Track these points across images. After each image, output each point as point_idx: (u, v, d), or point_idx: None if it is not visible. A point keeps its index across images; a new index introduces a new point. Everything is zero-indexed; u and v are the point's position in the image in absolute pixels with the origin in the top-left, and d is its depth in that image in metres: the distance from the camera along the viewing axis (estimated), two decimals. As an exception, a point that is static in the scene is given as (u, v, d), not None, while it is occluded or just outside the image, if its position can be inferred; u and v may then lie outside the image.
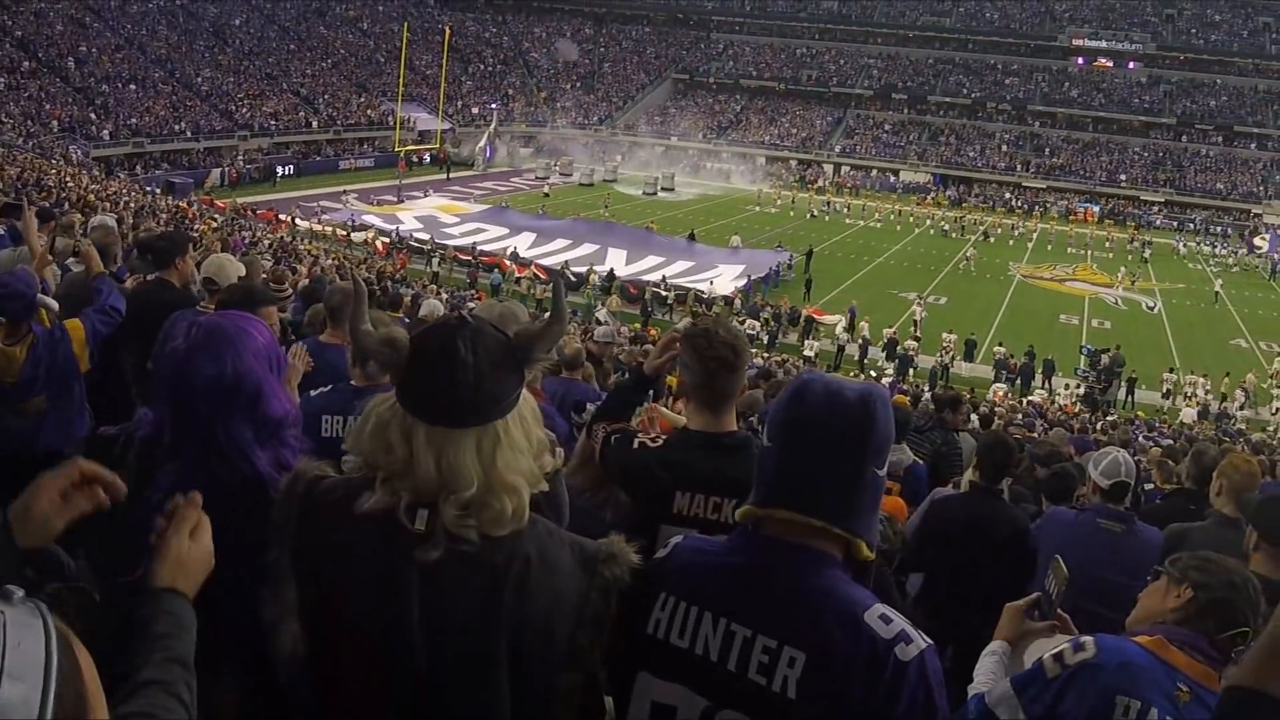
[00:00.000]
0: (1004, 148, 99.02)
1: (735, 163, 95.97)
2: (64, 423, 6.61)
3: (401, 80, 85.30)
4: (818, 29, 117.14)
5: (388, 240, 51.97)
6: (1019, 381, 39.67)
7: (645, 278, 47.86)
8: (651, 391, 4.98)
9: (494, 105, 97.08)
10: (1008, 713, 3.41)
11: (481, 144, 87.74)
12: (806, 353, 39.45)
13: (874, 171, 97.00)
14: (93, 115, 70.96)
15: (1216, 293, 57.69)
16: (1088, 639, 3.40)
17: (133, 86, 76.91)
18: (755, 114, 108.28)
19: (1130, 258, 67.04)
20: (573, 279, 45.75)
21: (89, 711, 1.39)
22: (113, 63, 78.86)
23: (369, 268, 40.30)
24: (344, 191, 67.15)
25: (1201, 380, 40.43)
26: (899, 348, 41.32)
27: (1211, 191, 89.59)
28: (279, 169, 75.42)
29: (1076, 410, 33.70)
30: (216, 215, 48.59)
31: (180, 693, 2.00)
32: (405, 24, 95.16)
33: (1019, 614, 3.96)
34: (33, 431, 6.45)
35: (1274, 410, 39.60)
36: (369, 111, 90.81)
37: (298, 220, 55.03)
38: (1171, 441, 21.02)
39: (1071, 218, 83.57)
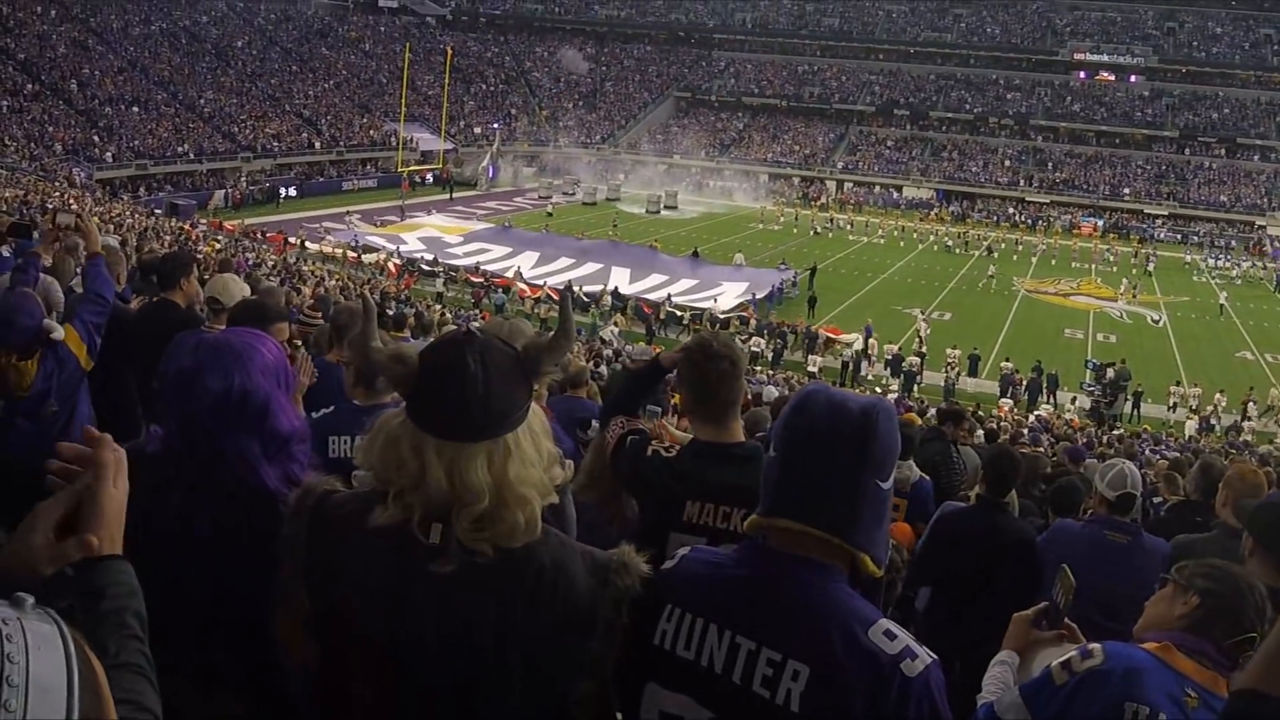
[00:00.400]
0: (1007, 162, 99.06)
1: (738, 180, 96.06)
2: (74, 429, 6.58)
3: (404, 101, 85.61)
4: (819, 46, 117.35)
5: (399, 262, 51.88)
6: (1026, 397, 39.58)
7: (649, 296, 47.84)
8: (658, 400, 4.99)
9: (496, 125, 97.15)
10: (1016, 720, 3.43)
11: (484, 163, 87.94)
12: (811, 369, 39.43)
13: (877, 188, 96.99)
14: (96, 138, 71.04)
15: (1221, 305, 57.70)
16: (1095, 646, 3.41)
17: (135, 109, 77.05)
18: (757, 131, 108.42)
19: (1135, 270, 67.07)
20: (585, 299, 45.96)
21: (107, 715, 1.41)
22: (115, 85, 79.01)
23: (373, 288, 40.33)
24: (347, 212, 67.16)
25: (1195, 392, 40.44)
26: (903, 364, 41.28)
27: (1215, 204, 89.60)
28: (282, 190, 75.45)
29: (1082, 424, 33.62)
30: (220, 237, 48.67)
31: (149, 674, 1.99)
32: (407, 45, 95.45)
33: (1027, 624, 3.98)
34: (45, 436, 6.45)
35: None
36: (371, 132, 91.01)
37: (307, 243, 55.02)
38: (1178, 455, 21.00)
39: (1075, 232, 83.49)
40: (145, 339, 7.12)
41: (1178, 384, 41.42)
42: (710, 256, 59.66)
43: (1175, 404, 40.29)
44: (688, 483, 4.07)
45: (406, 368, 2.55)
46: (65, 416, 6.53)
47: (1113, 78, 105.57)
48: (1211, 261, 74.30)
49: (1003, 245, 74.66)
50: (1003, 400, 37.26)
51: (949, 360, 41.46)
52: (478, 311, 41.94)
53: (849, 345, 42.99)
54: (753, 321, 45.01)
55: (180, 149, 74.43)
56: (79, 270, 7.14)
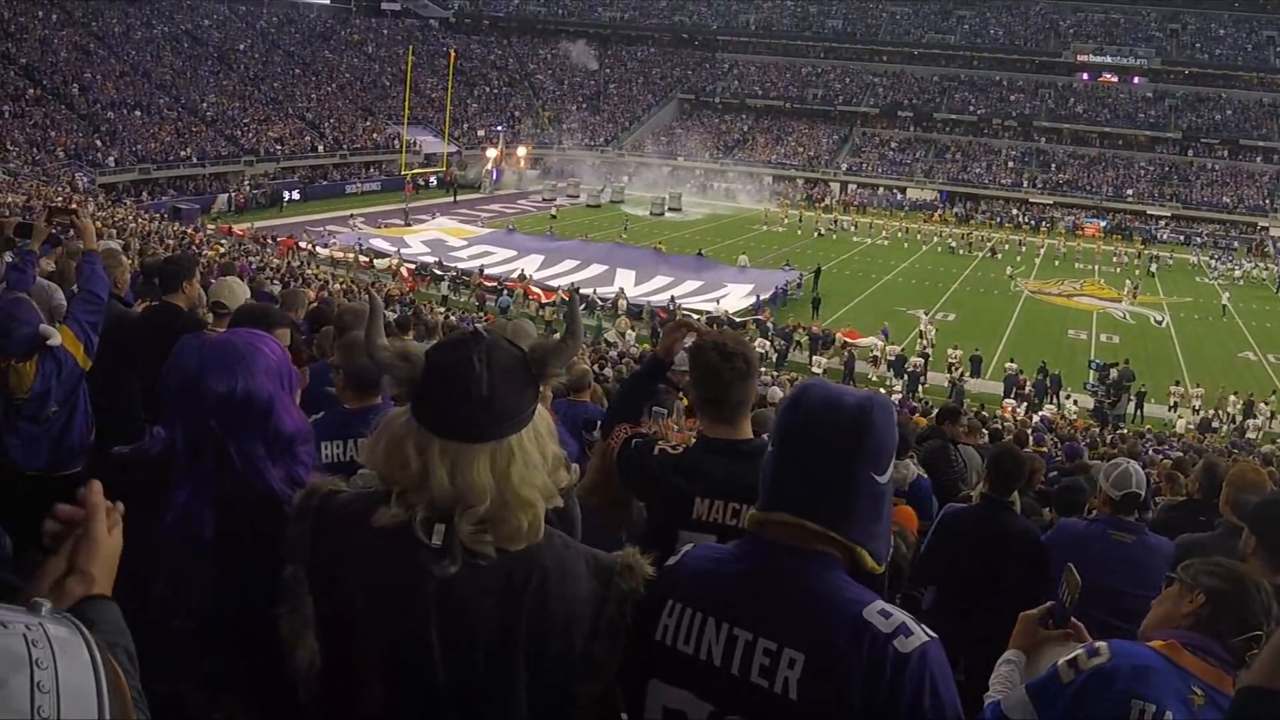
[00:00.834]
0: (1010, 164, 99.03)
1: (742, 182, 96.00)
2: (74, 429, 6.65)
3: (407, 104, 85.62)
4: (823, 48, 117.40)
5: (413, 266, 51.86)
6: (1033, 395, 39.60)
7: (654, 299, 47.86)
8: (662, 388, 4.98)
9: (499, 128, 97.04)
10: (1023, 719, 3.42)
11: (488, 166, 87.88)
12: (815, 370, 39.39)
13: (880, 189, 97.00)
14: (98, 142, 71.17)
15: (1224, 306, 57.70)
16: (1102, 644, 3.40)
17: (138, 113, 77.13)
18: (761, 133, 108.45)
19: (1137, 271, 67.13)
20: (600, 302, 46.33)
21: (131, 716, 1.40)
22: (118, 89, 79.09)
23: (378, 290, 40.33)
24: (351, 215, 67.16)
25: (1199, 392, 40.53)
26: (906, 365, 41.28)
27: (1218, 205, 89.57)
28: (285, 194, 75.49)
29: (1086, 425, 33.61)
30: (224, 241, 48.68)
31: (143, 709, 1.99)
32: (410, 48, 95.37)
33: (1033, 623, 3.98)
34: (46, 437, 6.50)
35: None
36: (375, 135, 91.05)
37: (318, 247, 55.02)
38: (1181, 454, 20.99)
39: (1078, 233, 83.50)
40: (147, 342, 7.08)
41: (1177, 383, 41.46)
42: (715, 258, 59.60)
43: (1175, 404, 40.28)
44: (696, 480, 4.06)
45: (412, 366, 2.55)
46: (65, 417, 6.59)
47: (1116, 79, 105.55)
48: (1215, 263, 74.13)
49: (1006, 246, 74.78)
50: (1007, 401, 37.24)
51: (950, 361, 41.46)
52: (482, 314, 41.93)
53: (866, 349, 43.00)
54: (769, 324, 45.00)
55: (183, 153, 74.58)
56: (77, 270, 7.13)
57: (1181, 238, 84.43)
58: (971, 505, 7.79)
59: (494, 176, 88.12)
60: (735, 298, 49.15)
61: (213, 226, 56.35)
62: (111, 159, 69.82)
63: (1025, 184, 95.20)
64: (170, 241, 37.20)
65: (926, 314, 49.15)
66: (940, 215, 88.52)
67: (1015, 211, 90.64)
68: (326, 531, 2.60)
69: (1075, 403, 39.53)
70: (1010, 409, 34.55)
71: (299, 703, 2.60)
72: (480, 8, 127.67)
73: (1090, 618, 4.24)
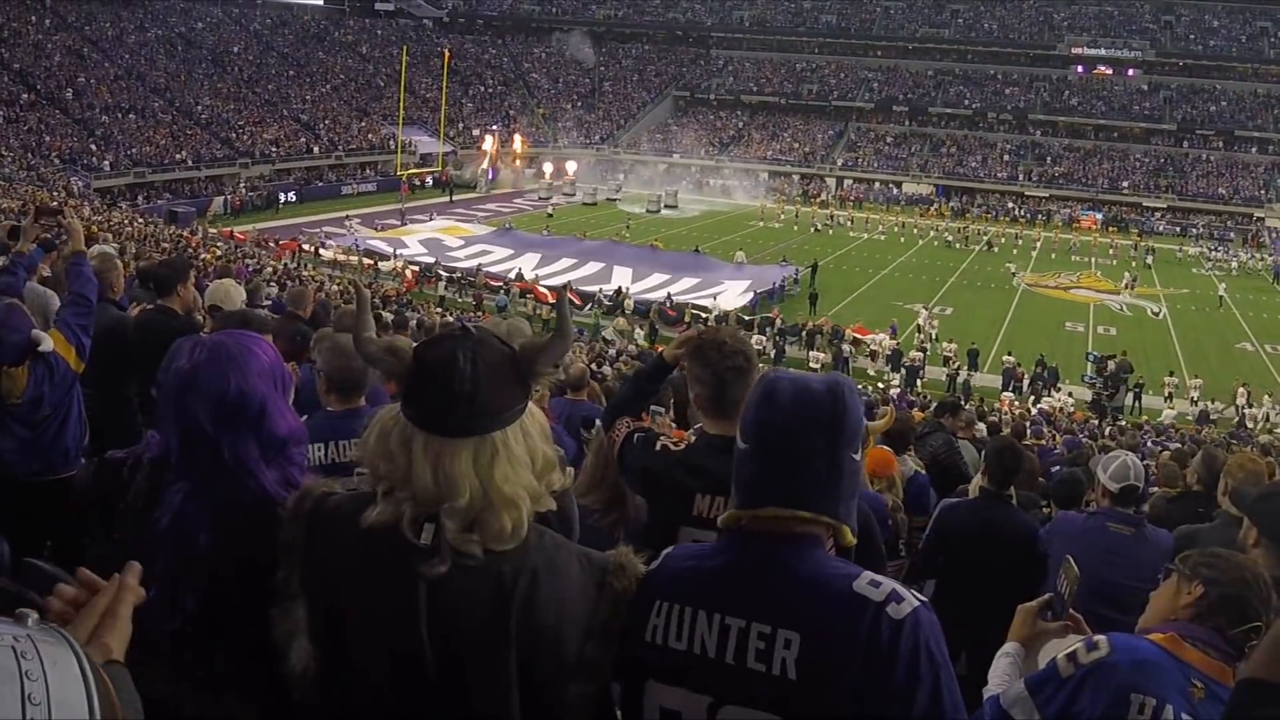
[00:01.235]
0: (1006, 157, 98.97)
1: (738, 179, 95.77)
2: (68, 433, 6.63)
3: (402, 104, 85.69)
4: (817, 43, 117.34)
5: (417, 269, 51.84)
6: (1027, 390, 39.58)
7: (650, 296, 47.90)
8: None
9: (495, 127, 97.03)
10: (1023, 713, 3.43)
11: (484, 166, 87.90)
12: (813, 365, 39.39)
13: (876, 184, 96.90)
14: (93, 146, 71.20)
15: (1221, 297, 57.63)
16: (1101, 638, 3.40)
17: (132, 116, 77.18)
18: (757, 129, 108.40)
19: (1134, 264, 67.05)
20: (606, 302, 46.48)
21: None
22: (112, 93, 79.11)
23: (374, 290, 40.33)
24: (347, 217, 67.06)
25: (1197, 383, 40.52)
26: (904, 359, 41.28)
27: (1214, 196, 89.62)
28: (281, 196, 75.50)
29: (1085, 418, 33.61)
30: (220, 243, 48.66)
31: None
32: (404, 48, 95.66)
33: (1032, 615, 3.97)
34: (40, 441, 6.49)
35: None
36: (370, 136, 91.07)
37: (321, 250, 55.06)
38: (1180, 446, 21.00)
39: (1074, 225, 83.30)
40: (143, 346, 7.17)
41: (1171, 374, 41.32)
42: (711, 255, 59.67)
43: (1170, 394, 40.19)
44: (698, 476, 4.07)
45: (399, 361, 2.58)
46: (58, 421, 6.55)
47: (1110, 72, 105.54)
48: (1210, 253, 74.07)
49: (1003, 240, 74.70)
50: (1005, 394, 37.27)
51: (947, 355, 41.54)
52: (480, 314, 41.93)
53: (877, 345, 42.98)
54: (778, 321, 44.89)
55: (178, 156, 74.61)
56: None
57: (1178, 229, 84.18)
58: (969, 499, 7.79)
59: (490, 176, 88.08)
60: (732, 294, 49.18)
61: (214, 230, 56.26)
62: (106, 163, 69.90)
63: (1021, 177, 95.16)
64: (166, 245, 37.19)
65: (926, 308, 49.17)
66: (937, 209, 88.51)
67: (1011, 205, 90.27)
68: (319, 534, 2.63)
69: (1071, 395, 39.42)
70: (1008, 402, 34.53)
71: (294, 704, 2.60)
72: (474, 7, 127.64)
73: (1089, 610, 4.24)
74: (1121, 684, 3.25)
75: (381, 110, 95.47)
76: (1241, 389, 39.72)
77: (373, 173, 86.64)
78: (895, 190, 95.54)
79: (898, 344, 42.76)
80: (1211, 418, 37.51)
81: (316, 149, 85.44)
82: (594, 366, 19.33)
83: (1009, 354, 42.00)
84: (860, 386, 29.09)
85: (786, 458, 2.52)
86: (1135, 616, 3.83)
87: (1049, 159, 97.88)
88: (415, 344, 2.66)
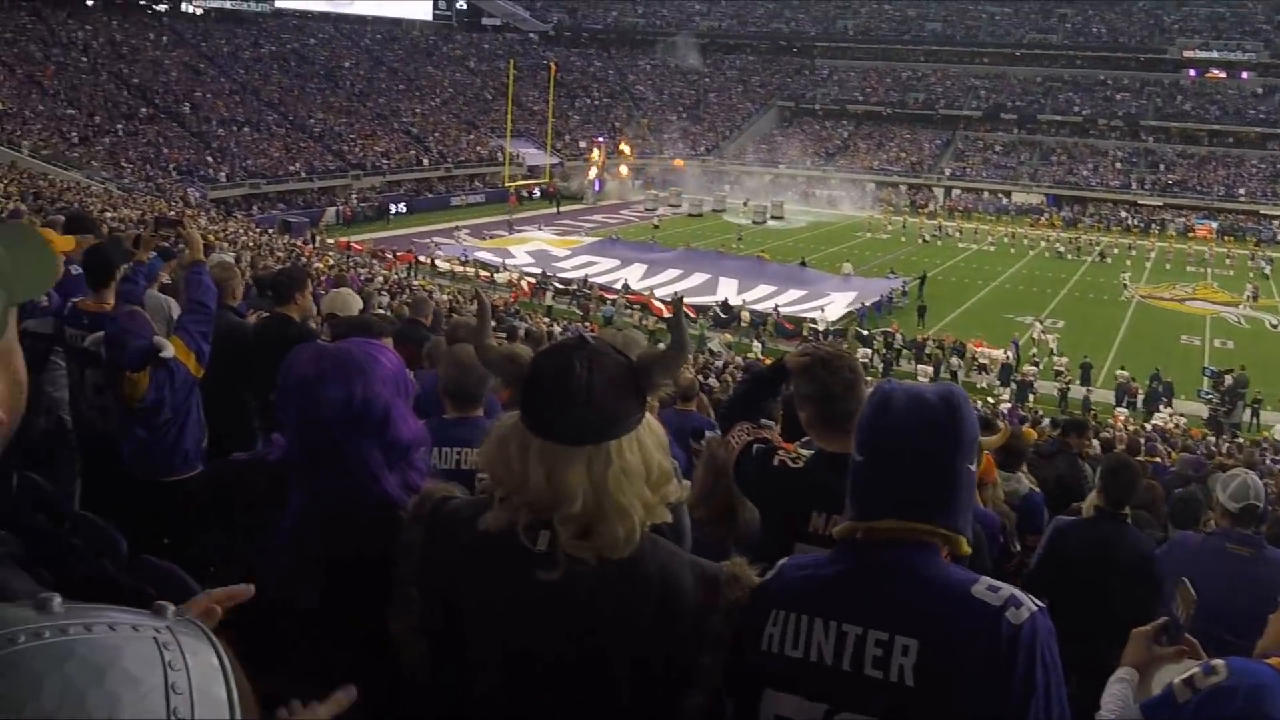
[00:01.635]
0: (1117, 165, 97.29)
1: (844, 189, 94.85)
2: (187, 436, 6.82)
3: (509, 117, 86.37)
4: (922, 51, 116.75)
5: (533, 280, 52.13)
6: (1141, 406, 38.66)
7: (757, 308, 47.68)
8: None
9: (601, 139, 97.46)
10: (1138, 740, 3.34)
11: (590, 177, 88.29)
12: (921, 379, 38.92)
13: (985, 194, 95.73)
14: (209, 158, 72.91)
15: (1344, 308, 56.00)
16: (1219, 662, 3.31)
17: (247, 129, 78.95)
18: (862, 139, 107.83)
19: (1252, 274, 65.58)
20: (723, 315, 46.37)
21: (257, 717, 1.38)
22: (227, 107, 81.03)
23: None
24: (456, 228, 68.07)
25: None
26: (1014, 373, 40.73)
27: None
28: (392, 207, 76.35)
29: (1202, 434, 32.95)
30: (333, 253, 49.31)
31: None
32: (511, 61, 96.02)
33: (1147, 639, 3.89)
34: (160, 444, 6.67)
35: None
36: (478, 148, 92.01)
37: (437, 261, 55.58)
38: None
39: (1190, 235, 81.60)
40: (261, 352, 7.27)
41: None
42: (817, 266, 59.33)
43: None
44: (814, 494, 4.03)
45: (518, 367, 2.63)
46: (178, 425, 6.76)
47: (1224, 75, 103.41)
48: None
49: (1115, 250, 73.22)
50: (1118, 409, 36.59)
51: (1057, 368, 40.85)
52: (587, 324, 42.06)
53: (997, 361, 42.35)
54: (898, 336, 44.36)
55: (291, 168, 76.14)
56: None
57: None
58: (1083, 518, 7.64)
59: (596, 187, 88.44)
60: (839, 306, 48.91)
61: (331, 241, 57.01)
62: (222, 174, 71.52)
63: (1134, 185, 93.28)
64: (280, 254, 37.85)
65: (1041, 321, 48.49)
66: (1047, 219, 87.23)
67: (1124, 214, 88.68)
68: (438, 536, 2.67)
69: (1181, 414, 38.34)
70: (1122, 418, 33.92)
71: (405, 703, 2.67)
72: (579, 20, 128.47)
73: (1206, 634, 4.16)
74: (1240, 710, 3.14)
75: (489, 123, 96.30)
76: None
77: (481, 184, 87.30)
78: (1004, 200, 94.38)
79: (1010, 358, 42.02)
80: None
81: (426, 161, 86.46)
82: (701, 379, 19.31)
83: (1122, 368, 41.24)
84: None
85: (902, 468, 2.53)
86: (1253, 640, 3.78)
87: (1162, 166, 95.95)
88: (535, 352, 2.67)
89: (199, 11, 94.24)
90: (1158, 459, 19.14)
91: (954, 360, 41.76)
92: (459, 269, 54.30)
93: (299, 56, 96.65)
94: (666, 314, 44.61)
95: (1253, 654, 3.57)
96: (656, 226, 75.03)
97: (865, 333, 44.33)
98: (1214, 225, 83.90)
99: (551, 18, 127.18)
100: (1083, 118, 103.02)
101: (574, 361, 2.49)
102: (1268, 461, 23.62)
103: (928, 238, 75.68)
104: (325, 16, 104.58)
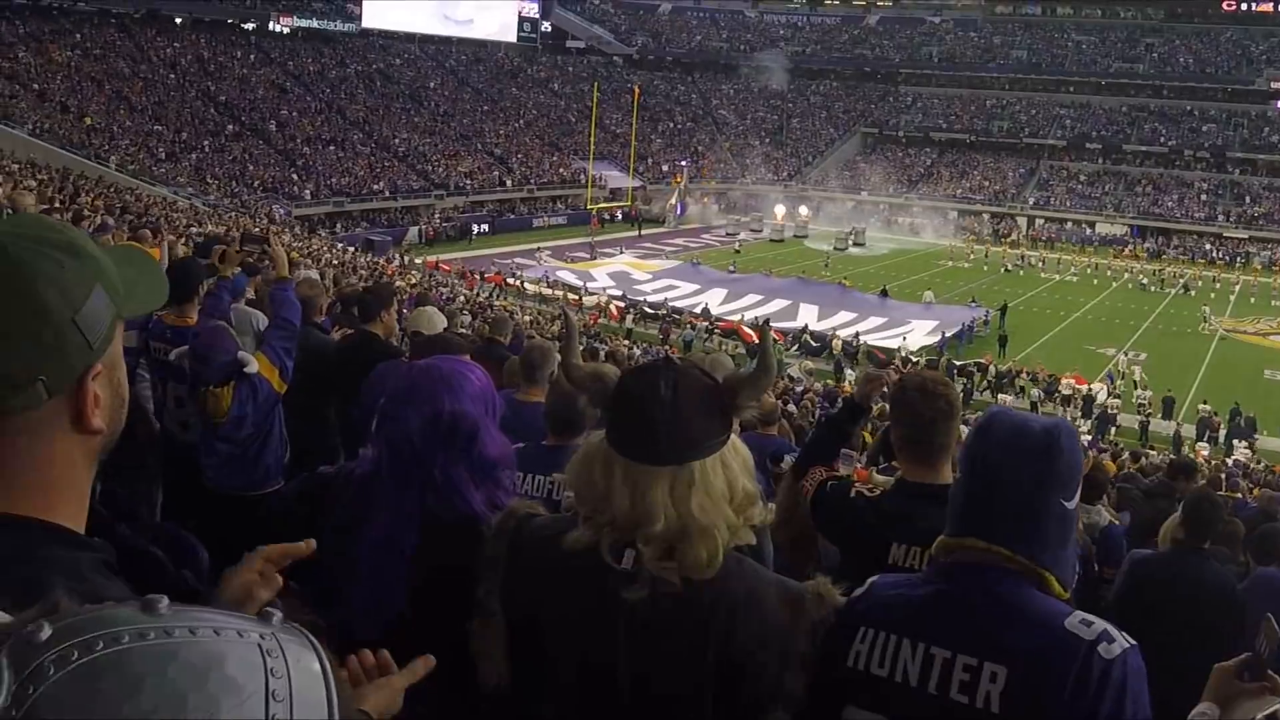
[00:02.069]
0: (1203, 197, 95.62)
1: (927, 216, 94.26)
2: (269, 451, 6.89)
3: (593, 139, 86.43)
4: (1007, 79, 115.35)
5: (621, 305, 52.17)
6: (1222, 441, 37.92)
7: (840, 334, 47.32)
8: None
9: (684, 163, 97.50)
10: (1220, 777, 3.31)
11: (672, 201, 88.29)
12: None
13: (1069, 224, 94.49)
14: (294, 176, 73.74)
15: None
16: None
17: (332, 148, 79.73)
18: (946, 167, 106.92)
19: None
20: (814, 344, 46.01)
21: None
22: (313, 126, 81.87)
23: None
24: (538, 249, 68.24)
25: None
26: (1096, 405, 40.19)
27: None
28: (474, 227, 76.80)
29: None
30: (416, 271, 49.62)
31: None
32: (595, 84, 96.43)
33: (1229, 675, 3.84)
34: (243, 459, 6.75)
35: None
36: (561, 170, 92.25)
37: (526, 284, 55.67)
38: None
39: (1275, 268, 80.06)
40: (344, 369, 7.38)
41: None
42: (899, 294, 58.75)
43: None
44: (894, 525, 4.02)
45: (604, 387, 2.66)
46: (261, 440, 6.82)
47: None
48: None
49: (1199, 283, 72.01)
50: (1200, 444, 36.00)
51: (1140, 401, 40.28)
52: (667, 347, 42.01)
53: (1094, 395, 41.63)
54: (991, 368, 43.76)
55: (375, 186, 76.84)
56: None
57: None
58: (1163, 551, 7.55)
59: (678, 211, 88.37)
60: (920, 334, 48.57)
61: (420, 261, 57.39)
62: (307, 192, 72.28)
63: (1219, 217, 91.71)
64: (363, 272, 38.16)
65: (1126, 354, 47.84)
66: (1131, 250, 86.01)
67: (1209, 246, 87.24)
68: (522, 552, 2.70)
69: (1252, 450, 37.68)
70: (1204, 453, 33.37)
71: (483, 717, 2.72)
72: (663, 44, 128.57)
73: (1291, 671, 4.08)
74: None
75: (572, 145, 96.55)
76: None
77: (563, 206, 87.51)
78: (1088, 230, 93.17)
79: (1101, 391, 41.42)
80: None
81: (509, 182, 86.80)
82: (780, 404, 19.27)
83: (1204, 402, 40.51)
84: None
85: (989, 489, 2.53)
86: (1342, 677, 3.68)
87: (1248, 198, 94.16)
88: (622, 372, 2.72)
89: (286, 31, 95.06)
90: (1238, 494, 18.87)
91: (1035, 391, 41.23)
92: (547, 291, 54.27)
93: (384, 76, 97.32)
94: (755, 339, 43.96)
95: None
96: (738, 251, 74.79)
97: (959, 363, 43.85)
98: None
99: (636, 41, 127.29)
100: (1168, 148, 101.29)
101: (659, 382, 2.52)
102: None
103: (1010, 267, 74.96)
104: (411, 37, 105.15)
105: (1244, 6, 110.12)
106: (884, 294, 57.89)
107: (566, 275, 59.18)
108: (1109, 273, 75.13)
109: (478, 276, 55.49)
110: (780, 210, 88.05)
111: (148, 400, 7.60)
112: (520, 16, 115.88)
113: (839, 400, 25.94)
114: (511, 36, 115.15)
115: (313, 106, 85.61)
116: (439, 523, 2.98)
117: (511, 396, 6.66)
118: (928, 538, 3.94)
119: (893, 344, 45.77)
